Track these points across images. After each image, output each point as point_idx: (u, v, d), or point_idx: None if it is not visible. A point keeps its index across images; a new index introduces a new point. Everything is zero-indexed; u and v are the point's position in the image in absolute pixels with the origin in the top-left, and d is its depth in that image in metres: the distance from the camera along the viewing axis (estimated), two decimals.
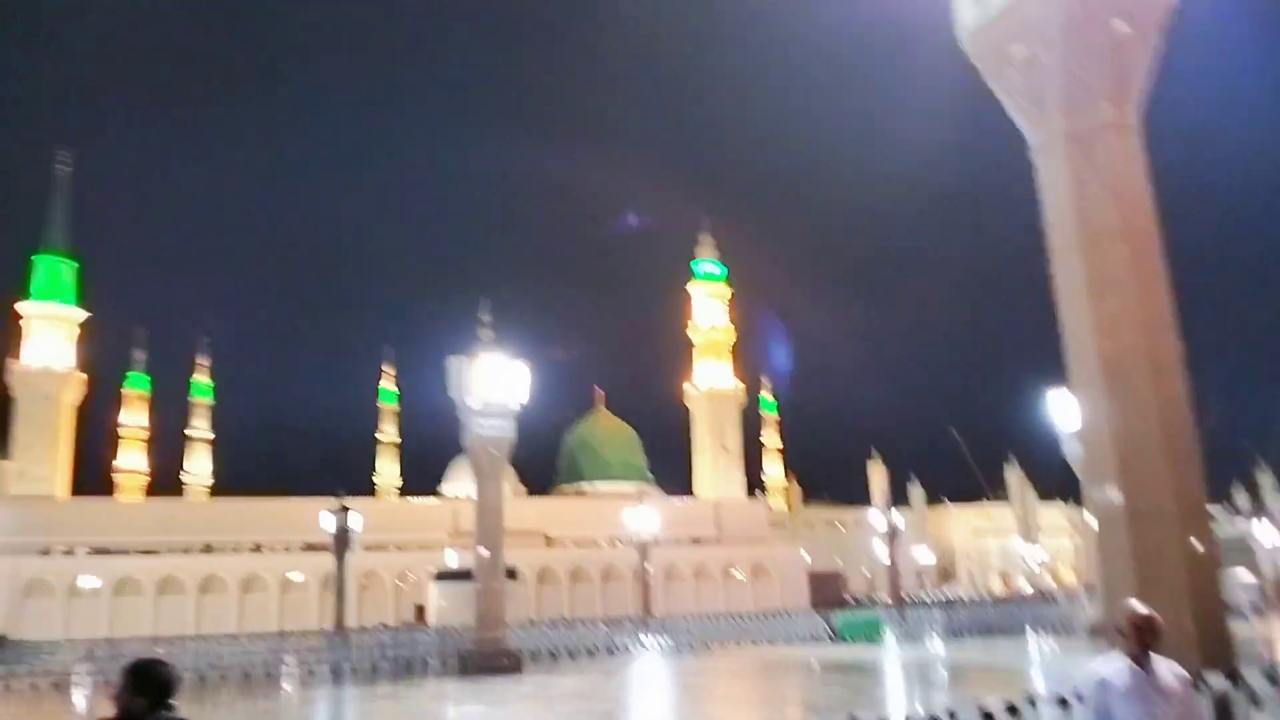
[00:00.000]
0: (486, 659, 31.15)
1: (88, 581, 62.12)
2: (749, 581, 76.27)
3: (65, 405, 77.67)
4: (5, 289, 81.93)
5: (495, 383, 33.30)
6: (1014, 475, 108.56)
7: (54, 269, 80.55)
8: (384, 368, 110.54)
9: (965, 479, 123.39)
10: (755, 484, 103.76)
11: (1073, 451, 34.38)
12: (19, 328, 78.96)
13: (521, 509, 67.87)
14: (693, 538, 79.31)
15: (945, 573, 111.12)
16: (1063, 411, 34.37)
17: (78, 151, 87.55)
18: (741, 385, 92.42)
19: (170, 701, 4.55)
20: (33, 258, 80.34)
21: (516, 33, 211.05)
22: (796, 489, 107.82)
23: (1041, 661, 33.57)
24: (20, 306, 78.79)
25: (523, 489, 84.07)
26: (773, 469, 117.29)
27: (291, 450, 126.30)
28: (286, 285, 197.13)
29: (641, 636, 41.66)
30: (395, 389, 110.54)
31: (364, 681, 31.74)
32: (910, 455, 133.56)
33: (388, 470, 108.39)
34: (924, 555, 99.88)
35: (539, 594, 67.98)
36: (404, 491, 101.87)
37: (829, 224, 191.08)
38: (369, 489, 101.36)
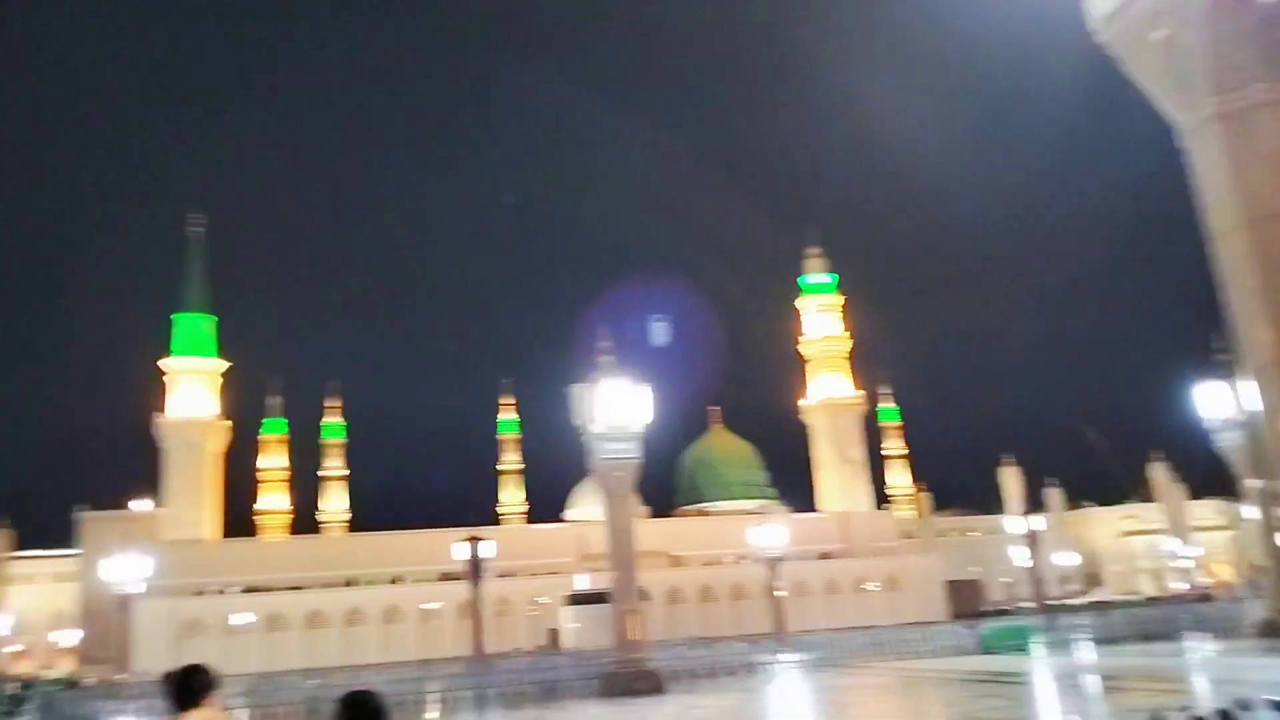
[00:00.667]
0: (628, 680, 31.31)
1: (240, 619, 65.19)
2: (882, 594, 74.63)
3: (210, 452, 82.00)
4: (148, 347, 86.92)
5: (618, 407, 33.65)
6: (1159, 472, 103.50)
7: (194, 325, 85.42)
8: (503, 399, 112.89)
9: (1105, 479, 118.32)
10: (882, 495, 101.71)
11: (1227, 445, 32.61)
12: (163, 384, 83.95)
13: (646, 530, 67.99)
14: (820, 552, 78.15)
15: (1091, 576, 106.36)
16: (1213, 405, 32.59)
17: (209, 211, 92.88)
18: (861, 394, 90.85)
19: None
20: (172, 316, 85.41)
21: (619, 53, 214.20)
22: (925, 498, 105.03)
23: (1208, 665, 31.80)
24: (163, 363, 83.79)
25: (645, 510, 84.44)
26: (899, 479, 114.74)
27: (419, 483, 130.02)
28: (407, 324, 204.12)
29: (779, 653, 41.20)
30: (515, 418, 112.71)
31: (509, 706, 32.31)
32: (1045, 458, 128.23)
33: (512, 498, 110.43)
34: (1066, 559, 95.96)
35: (669, 614, 68.01)
36: (529, 518, 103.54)
37: (945, 221, 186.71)
38: (495, 518, 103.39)
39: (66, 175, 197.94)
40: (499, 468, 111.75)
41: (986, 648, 41.17)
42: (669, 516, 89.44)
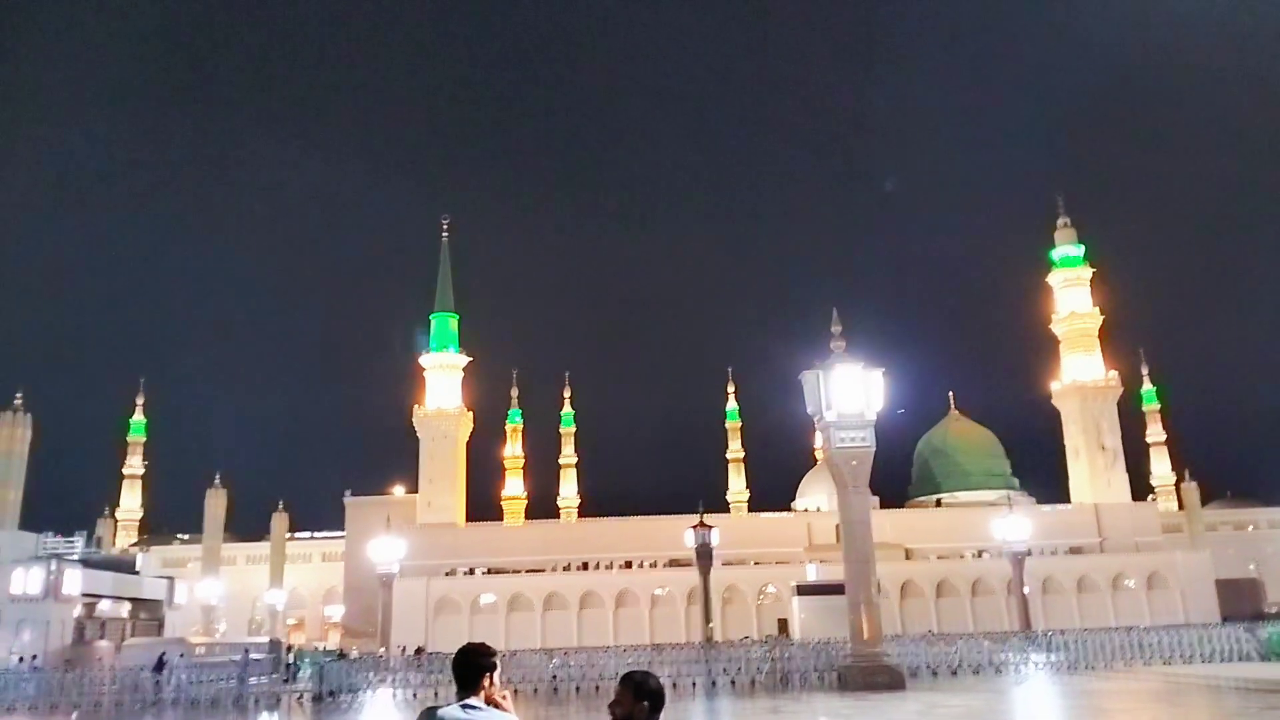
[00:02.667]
0: (866, 674, 30.21)
1: (486, 598, 68.92)
2: (1142, 592, 68.61)
3: (458, 441, 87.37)
4: (408, 345, 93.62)
5: (851, 393, 32.46)
6: None
7: (444, 324, 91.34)
8: (728, 387, 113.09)
9: None
10: (1141, 485, 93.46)
11: None
12: (423, 379, 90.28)
13: (878, 521, 65.50)
14: (1071, 547, 72.92)
15: None
16: None
17: (454, 214, 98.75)
18: (1116, 376, 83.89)
19: (661, 710, 4.77)
20: (430, 316, 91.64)
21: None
22: (1192, 488, 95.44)
23: None
24: (422, 359, 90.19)
25: (875, 500, 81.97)
26: (1161, 467, 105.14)
27: (648, 470, 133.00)
28: (636, 316, 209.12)
29: (1028, 653, 38.55)
30: (738, 406, 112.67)
31: (741, 694, 32.03)
32: None
33: (736, 485, 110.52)
34: None
35: (902, 608, 65.65)
36: (753, 506, 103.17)
37: (1212, 176, 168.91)
38: (723, 505, 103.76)
39: (335, 183, 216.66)
40: (726, 456, 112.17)
41: (1269, 654, 36.75)
42: (902, 507, 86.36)
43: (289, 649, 55.73)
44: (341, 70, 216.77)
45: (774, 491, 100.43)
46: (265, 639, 57.90)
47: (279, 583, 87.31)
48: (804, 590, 61.34)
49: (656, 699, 4.73)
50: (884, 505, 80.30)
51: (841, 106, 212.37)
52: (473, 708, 4.75)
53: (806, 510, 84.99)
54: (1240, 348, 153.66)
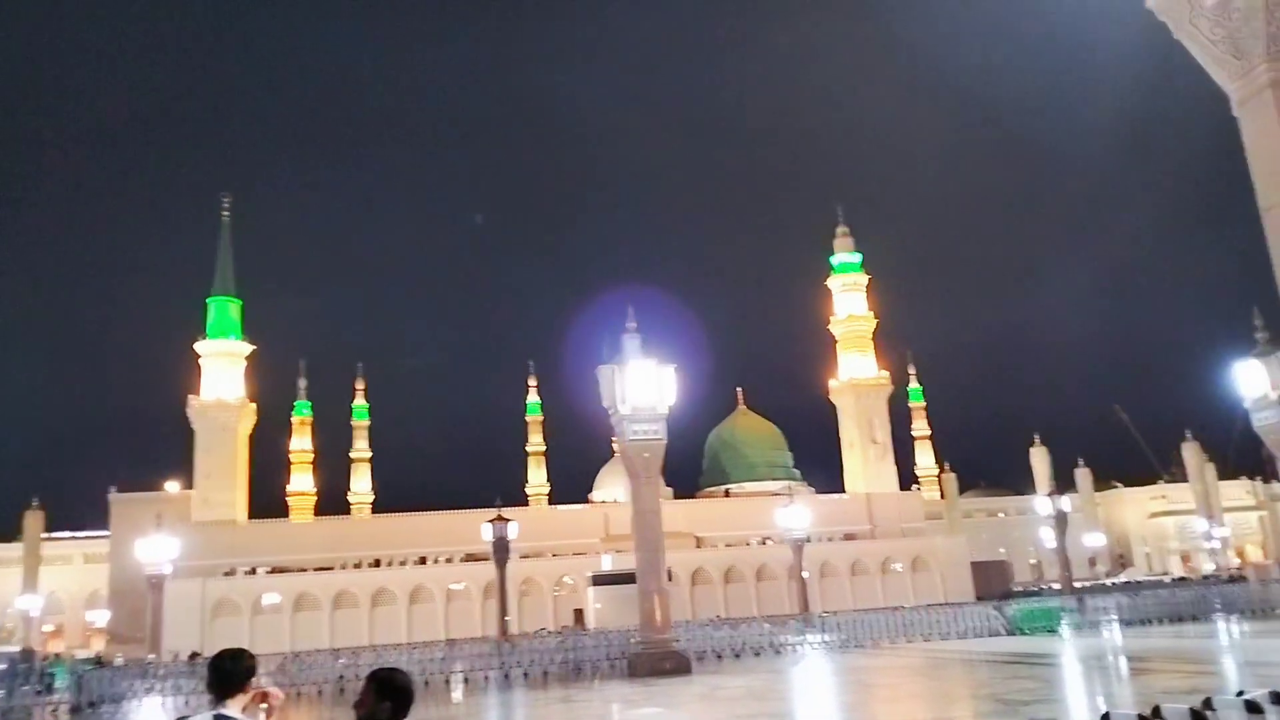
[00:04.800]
0: (655, 661, 31.29)
1: (270, 599, 65.88)
2: (908, 575, 74.38)
3: (240, 434, 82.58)
4: (184, 331, 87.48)
5: (644, 388, 33.47)
6: (1191, 452, 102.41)
7: (223, 309, 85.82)
8: (529, 381, 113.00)
9: (1135, 460, 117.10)
10: (908, 476, 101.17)
11: (1263, 424, 31.99)
12: (199, 366, 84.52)
13: (670, 511, 67.88)
14: (846, 533, 77.93)
15: (1120, 557, 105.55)
16: (1251, 383, 31.94)
17: (236, 195, 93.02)
18: (886, 375, 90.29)
19: (409, 708, 4.67)
20: (206, 300, 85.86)
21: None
22: (952, 478, 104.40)
23: (1238, 647, 31.37)
24: (198, 346, 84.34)
25: (668, 491, 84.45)
26: (925, 459, 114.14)
27: (445, 465, 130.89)
28: (432, 307, 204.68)
29: (805, 634, 41.08)
30: (538, 400, 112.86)
31: (535, 686, 32.38)
32: (1075, 438, 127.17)
33: (537, 479, 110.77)
34: (1094, 540, 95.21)
35: (693, 595, 68.12)
36: (554, 499, 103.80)
37: (976, 198, 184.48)
38: (522, 499, 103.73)
39: (102, 159, 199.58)
40: (526, 449, 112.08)
41: (1014, 629, 40.90)
42: (693, 498, 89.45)
43: (45, 658, 51.21)
44: (109, 43, 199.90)
45: (574, 484, 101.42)
46: (17, 648, 52.93)
47: (33, 587, 79.86)
48: (599, 580, 62.53)
49: (401, 696, 4.62)
50: (677, 496, 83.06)
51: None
52: (224, 718, 4.66)
53: (604, 502, 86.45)
54: (993, 351, 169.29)
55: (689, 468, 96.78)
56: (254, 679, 4.84)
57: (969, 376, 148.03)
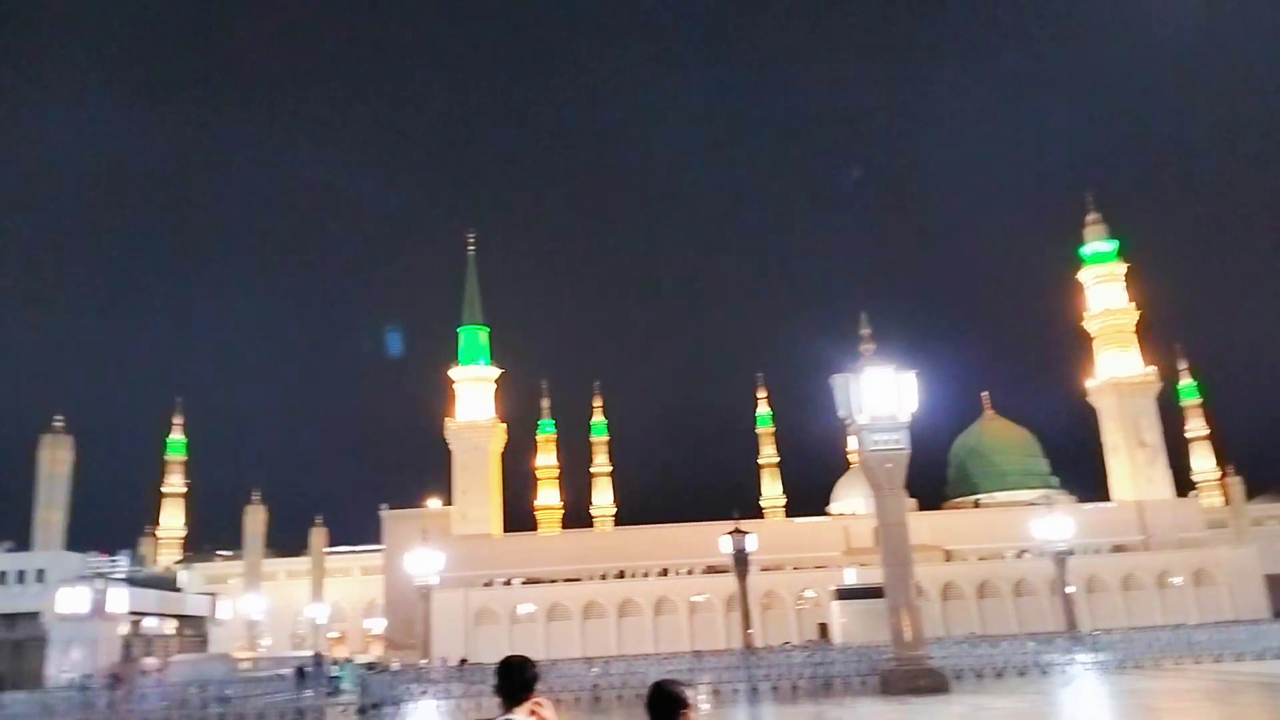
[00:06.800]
0: (909, 678, 29.93)
1: (524, 608, 69.09)
2: (1189, 589, 67.53)
3: (491, 453, 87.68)
4: (440, 359, 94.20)
5: (883, 396, 32.25)
6: None
7: (473, 336, 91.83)
8: (758, 393, 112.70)
9: None
10: (1184, 481, 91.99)
11: None
12: (452, 391, 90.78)
13: (916, 524, 65.29)
14: (1114, 545, 71.98)
15: None
16: None
17: (479, 230, 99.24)
18: (1153, 371, 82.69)
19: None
20: (458, 329, 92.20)
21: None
22: (1236, 483, 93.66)
23: None
24: (451, 372, 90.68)
25: (912, 503, 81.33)
26: (1203, 462, 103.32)
27: (681, 478, 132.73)
28: (662, 326, 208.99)
29: (1074, 653, 38.03)
30: (769, 411, 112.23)
31: (783, 700, 31.85)
32: None
33: (771, 491, 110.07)
34: None
35: (945, 610, 65.05)
36: (789, 511, 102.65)
37: (1246, 164, 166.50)
38: (756, 510, 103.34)
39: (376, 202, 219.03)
40: (759, 461, 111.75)
41: None
42: (939, 509, 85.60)
43: (333, 663, 56.19)
44: (358, 93, 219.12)
45: (808, 496, 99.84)
46: (310, 653, 58.38)
47: (320, 597, 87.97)
48: (843, 594, 60.97)
49: (653, 711, 4.80)
50: (922, 507, 79.84)
51: (867, 106, 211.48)
52: None
53: (843, 515, 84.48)
54: None
55: (932, 478, 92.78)
56: (537, 686, 5.02)
57: (1255, 370, 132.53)
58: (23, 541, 70.59)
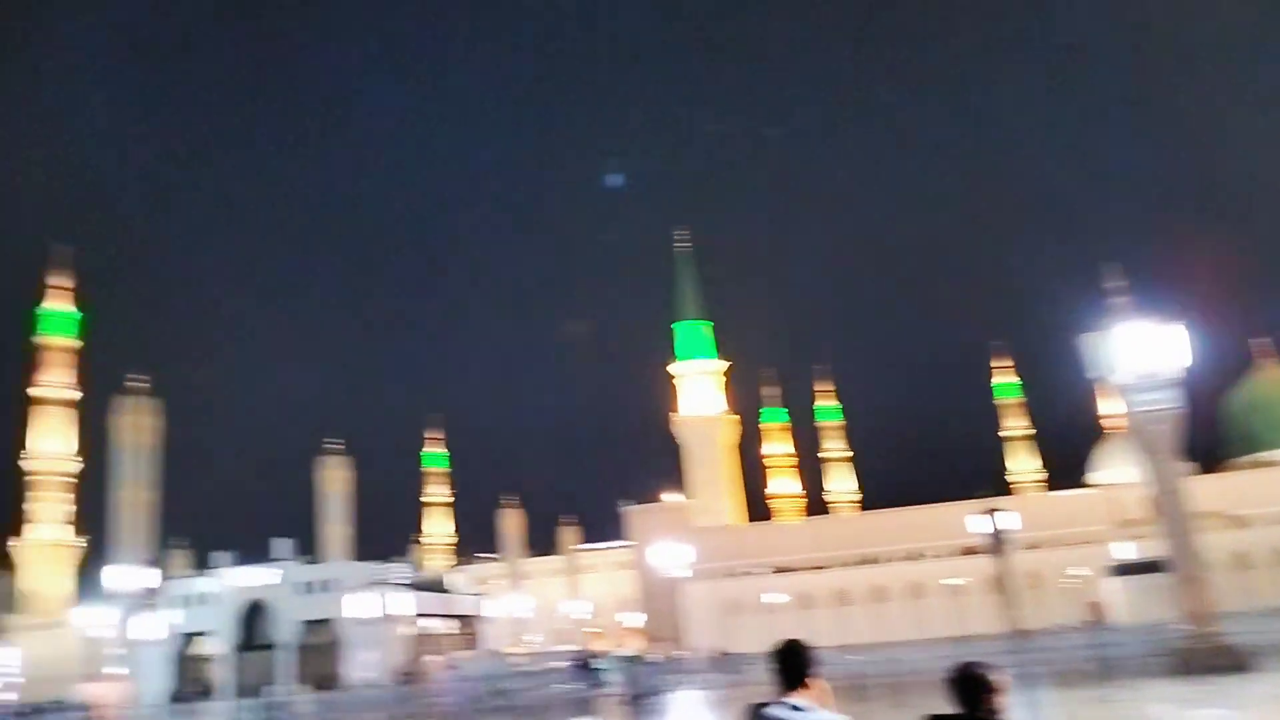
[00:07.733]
0: (1205, 657, 27.45)
1: (773, 598, 69.03)
2: None
3: (723, 444, 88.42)
4: (652, 354, 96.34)
5: (1147, 352, 29.71)
6: None
7: (693, 331, 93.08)
8: (996, 362, 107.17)
9: None
10: None
11: None
12: (673, 386, 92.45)
13: (1195, 489, 59.95)
14: None
15: None
16: None
17: (694, 228, 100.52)
18: None
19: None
20: (672, 325, 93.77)
21: None
22: None
23: None
24: (671, 368, 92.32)
25: (1188, 467, 74.53)
26: None
27: (921, 457, 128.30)
28: (888, 302, 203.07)
29: None
30: (1015, 380, 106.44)
31: (1064, 685, 30.04)
32: None
33: (1021, 465, 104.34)
34: None
35: (1235, 582, 59.09)
36: (1048, 484, 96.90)
37: None
38: (1005, 487, 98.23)
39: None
40: (1001, 434, 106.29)
41: None
42: (1218, 471, 77.96)
43: (595, 655, 58.60)
44: (580, 88, 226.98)
45: (1069, 466, 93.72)
46: (576, 647, 61.12)
47: (576, 593, 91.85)
48: (1120, 570, 56.86)
49: (959, 693, 4.68)
50: (1203, 470, 72.97)
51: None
52: (798, 708, 4.63)
53: (1106, 485, 78.74)
54: None
55: (1210, 438, 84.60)
56: (818, 670, 4.91)
57: None
58: (307, 555, 78.35)
